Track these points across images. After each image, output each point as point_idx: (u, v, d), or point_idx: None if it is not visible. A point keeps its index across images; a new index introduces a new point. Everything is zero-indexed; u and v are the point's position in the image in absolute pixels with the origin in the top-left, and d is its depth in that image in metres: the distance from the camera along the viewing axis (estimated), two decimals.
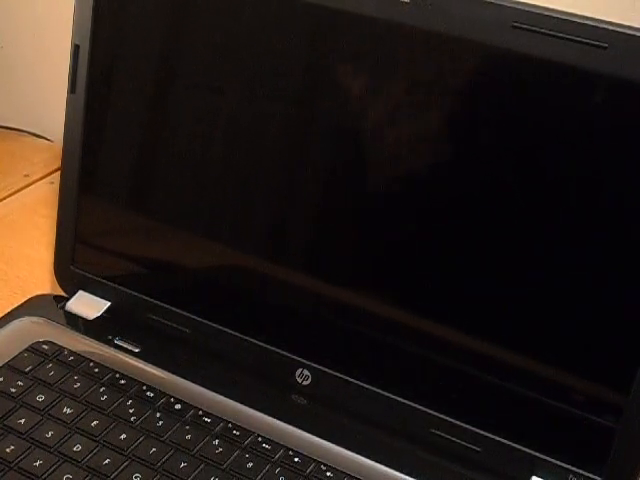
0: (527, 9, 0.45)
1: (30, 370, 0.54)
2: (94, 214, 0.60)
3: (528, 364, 0.48)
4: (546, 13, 0.44)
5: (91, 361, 0.55)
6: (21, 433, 0.50)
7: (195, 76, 0.55)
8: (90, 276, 0.60)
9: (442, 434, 0.51)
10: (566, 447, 0.48)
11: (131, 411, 0.52)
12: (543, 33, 0.44)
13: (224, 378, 0.55)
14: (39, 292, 0.63)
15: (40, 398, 0.52)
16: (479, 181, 0.48)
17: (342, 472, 0.49)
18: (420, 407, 0.51)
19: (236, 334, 0.56)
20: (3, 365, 0.54)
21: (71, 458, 0.49)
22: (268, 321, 0.56)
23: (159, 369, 0.55)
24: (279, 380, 0.55)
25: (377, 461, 0.50)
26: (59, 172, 0.60)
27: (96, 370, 0.55)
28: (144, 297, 0.58)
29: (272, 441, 0.51)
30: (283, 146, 0.53)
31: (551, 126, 0.46)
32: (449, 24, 0.46)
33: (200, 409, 0.52)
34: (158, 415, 0.52)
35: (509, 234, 0.48)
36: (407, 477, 0.49)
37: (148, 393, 0.53)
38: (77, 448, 0.49)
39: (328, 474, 0.49)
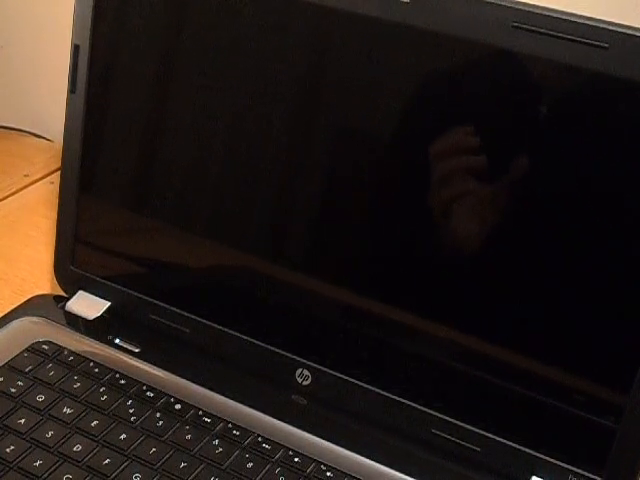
0: (527, 9, 0.45)
1: (30, 370, 0.54)
2: (94, 214, 0.60)
3: (528, 364, 0.48)
4: (546, 13, 0.44)
5: (91, 361, 0.55)
6: (21, 433, 0.50)
7: (195, 76, 0.55)
8: (90, 276, 0.60)
9: (442, 434, 0.51)
10: (566, 447, 0.48)
11: (131, 411, 0.52)
12: (543, 33, 0.44)
13: (224, 378, 0.55)
14: (39, 292, 0.63)
15: (40, 398, 0.52)
16: (477, 180, 0.48)
17: (342, 472, 0.49)
18: (420, 407, 0.51)
19: (236, 334, 0.56)
20: (3, 365, 0.54)
21: (71, 458, 0.49)
22: (268, 321, 0.56)
23: (159, 369, 0.55)
24: (279, 380, 0.55)
25: (377, 461, 0.50)
26: (59, 172, 0.60)
27: (96, 370, 0.55)
28: (144, 297, 0.58)
29: (272, 441, 0.50)
30: (283, 146, 0.53)
31: (551, 126, 0.46)
32: (449, 24, 0.46)
33: (200, 409, 0.52)
34: (158, 415, 0.52)
35: (509, 234, 0.48)
36: (407, 477, 0.49)
37: (148, 393, 0.53)
38: (77, 448, 0.49)
39: (328, 474, 0.49)
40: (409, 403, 0.51)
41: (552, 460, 0.48)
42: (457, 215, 0.49)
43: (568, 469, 0.48)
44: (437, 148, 0.48)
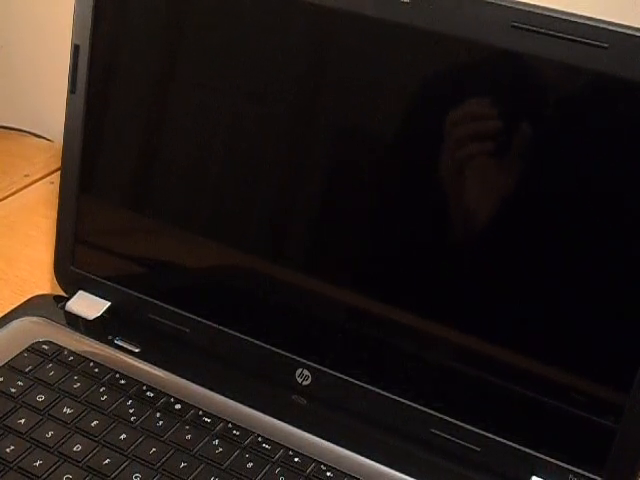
0: (527, 9, 0.45)
1: (30, 370, 0.54)
2: (94, 214, 0.60)
3: (528, 364, 0.48)
4: (546, 13, 0.44)
5: (91, 361, 0.55)
6: (21, 433, 0.50)
7: (195, 76, 0.55)
8: (90, 276, 0.60)
9: (442, 434, 0.51)
10: (566, 447, 0.48)
11: (131, 411, 0.52)
12: (543, 33, 0.44)
13: (224, 378, 0.55)
14: (39, 292, 0.63)
15: (40, 398, 0.52)
16: (477, 179, 0.48)
17: (342, 472, 0.49)
18: (420, 407, 0.51)
19: (236, 334, 0.56)
20: (3, 365, 0.55)
21: (71, 458, 0.49)
22: (268, 321, 0.56)
23: (159, 369, 0.55)
24: (279, 380, 0.55)
25: (377, 461, 0.50)
26: (59, 172, 0.60)
27: (96, 370, 0.55)
28: (144, 297, 0.58)
29: (272, 441, 0.51)
30: (283, 146, 0.53)
31: (551, 126, 0.46)
32: (449, 24, 0.46)
33: (200, 409, 0.52)
34: (158, 415, 0.52)
35: (509, 234, 0.48)
36: (407, 477, 0.49)
37: (148, 393, 0.53)
38: (77, 448, 0.49)
39: (328, 474, 0.49)
40: (409, 403, 0.51)
41: (552, 460, 0.48)
42: (456, 218, 0.49)
43: (568, 469, 0.48)
44: (437, 148, 0.48)
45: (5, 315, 0.60)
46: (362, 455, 0.50)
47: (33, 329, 0.58)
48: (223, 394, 0.53)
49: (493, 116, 0.47)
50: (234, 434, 0.51)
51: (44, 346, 0.56)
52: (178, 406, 0.52)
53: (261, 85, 0.52)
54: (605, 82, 0.44)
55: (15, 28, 0.89)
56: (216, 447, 0.50)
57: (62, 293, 0.62)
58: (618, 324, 0.46)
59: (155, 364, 0.56)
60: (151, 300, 0.58)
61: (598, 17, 0.44)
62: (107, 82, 0.58)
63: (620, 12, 0.48)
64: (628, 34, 0.43)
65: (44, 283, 0.66)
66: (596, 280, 0.46)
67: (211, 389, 0.54)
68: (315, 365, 0.54)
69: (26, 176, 0.83)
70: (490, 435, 0.50)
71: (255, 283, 0.56)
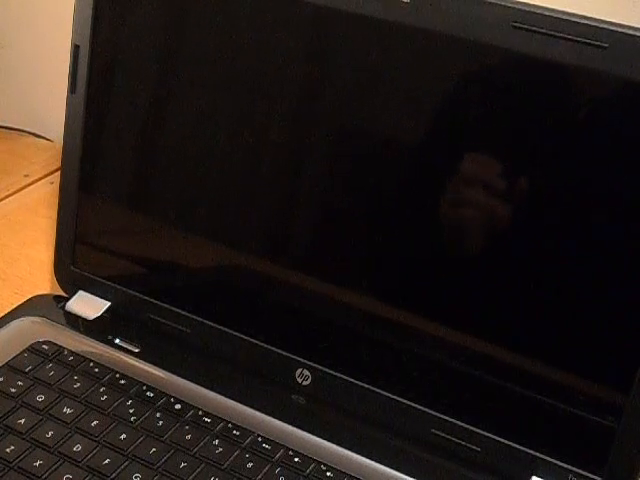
0: (527, 9, 0.45)
1: (30, 370, 0.54)
2: (94, 214, 0.60)
3: (528, 364, 0.48)
4: (546, 13, 0.44)
5: (91, 361, 0.55)
6: (21, 433, 0.50)
7: (195, 76, 0.55)
8: (90, 276, 0.60)
9: (442, 434, 0.51)
10: (566, 447, 0.48)
11: (131, 411, 0.52)
12: (543, 33, 0.44)
13: (224, 378, 0.55)
14: (39, 292, 0.63)
15: (40, 398, 0.52)
16: (476, 179, 0.48)
17: (342, 472, 0.49)
18: (420, 407, 0.51)
19: (236, 334, 0.56)
20: (3, 365, 0.54)
21: (71, 458, 0.49)
22: (268, 321, 0.56)
23: (159, 369, 0.55)
24: (279, 380, 0.55)
25: (377, 461, 0.50)
26: (59, 172, 0.60)
27: (96, 370, 0.55)
28: (144, 297, 0.58)
29: (272, 441, 0.50)
30: (283, 146, 0.53)
31: (551, 126, 0.46)
32: (449, 24, 0.46)
33: (200, 409, 0.52)
34: (158, 415, 0.52)
35: (508, 234, 0.48)
36: (407, 477, 0.49)
37: (148, 393, 0.53)
38: (77, 448, 0.49)
39: (328, 474, 0.49)
40: (409, 403, 0.51)
41: (552, 460, 0.48)
42: (461, 218, 0.49)
43: (568, 469, 0.48)
44: (438, 149, 0.48)
45: (5, 315, 0.60)
46: (362, 455, 0.50)
47: (33, 329, 0.58)
48: (223, 394, 0.53)
49: (492, 116, 0.47)
50: (234, 434, 0.51)
51: (44, 346, 0.56)
52: (178, 406, 0.52)
53: (261, 85, 0.52)
54: (605, 82, 0.44)
55: (15, 28, 0.89)
56: (216, 447, 0.50)
57: (62, 293, 0.62)
58: (618, 324, 0.46)
59: (155, 364, 0.56)
60: (151, 300, 0.58)
61: (598, 17, 0.44)
62: (107, 82, 0.58)
63: (620, 12, 0.48)
64: (628, 34, 0.43)
65: (44, 283, 0.66)
66: (596, 280, 0.46)
67: (211, 389, 0.54)
68: (315, 365, 0.54)
69: (26, 176, 0.83)
70: (490, 435, 0.50)
71: (255, 283, 0.56)
